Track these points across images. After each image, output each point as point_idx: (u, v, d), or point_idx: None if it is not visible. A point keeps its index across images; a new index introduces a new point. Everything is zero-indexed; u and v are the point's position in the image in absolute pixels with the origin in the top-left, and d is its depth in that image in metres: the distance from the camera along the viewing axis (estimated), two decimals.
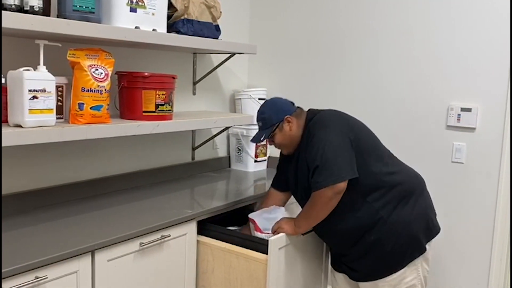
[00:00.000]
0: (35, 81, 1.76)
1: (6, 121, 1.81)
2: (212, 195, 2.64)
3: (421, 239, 2.04)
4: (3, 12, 1.63)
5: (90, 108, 1.96)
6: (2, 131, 1.65)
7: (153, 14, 2.20)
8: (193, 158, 3.05)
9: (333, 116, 2.10)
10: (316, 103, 2.37)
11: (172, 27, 2.40)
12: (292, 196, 2.31)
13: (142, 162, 2.69)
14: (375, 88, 2.93)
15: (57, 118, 1.89)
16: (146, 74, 2.23)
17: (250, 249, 2.12)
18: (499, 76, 2.56)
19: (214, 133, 3.08)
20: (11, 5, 1.73)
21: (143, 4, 2.16)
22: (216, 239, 2.22)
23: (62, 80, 1.97)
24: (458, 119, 2.68)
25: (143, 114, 2.22)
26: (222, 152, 3.30)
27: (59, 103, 1.96)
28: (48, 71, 1.83)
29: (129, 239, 1.90)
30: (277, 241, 2.05)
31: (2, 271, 1.49)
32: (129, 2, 2.10)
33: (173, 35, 2.33)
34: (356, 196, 1.99)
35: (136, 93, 2.22)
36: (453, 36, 2.67)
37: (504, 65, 2.54)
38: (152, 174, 2.73)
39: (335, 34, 3.06)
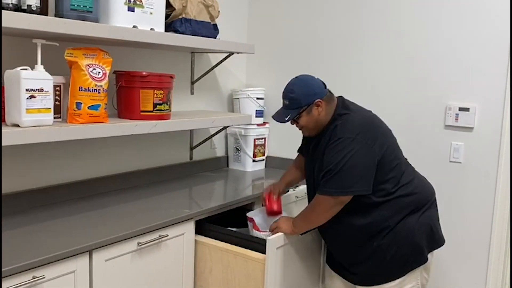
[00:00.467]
0: (33, 80, 1.75)
1: (4, 121, 1.81)
2: (210, 195, 2.64)
3: (424, 249, 2.03)
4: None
5: (88, 107, 1.96)
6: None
7: (151, 13, 2.20)
8: (191, 158, 3.04)
9: (366, 125, 1.98)
10: None
11: (170, 26, 2.40)
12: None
13: (140, 162, 2.69)
14: (373, 87, 2.93)
15: (54, 118, 1.88)
16: (144, 73, 2.22)
17: (248, 248, 2.12)
18: (497, 76, 2.56)
19: (212, 133, 3.07)
20: (8, 4, 1.72)
21: (141, 3, 2.15)
22: (214, 238, 2.22)
23: (60, 79, 1.97)
24: (456, 119, 2.68)
25: (141, 113, 2.22)
26: (220, 152, 3.30)
27: (56, 103, 1.96)
28: (46, 71, 1.82)
29: (127, 239, 1.89)
30: (275, 241, 2.05)
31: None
32: (127, 1, 2.10)
33: (171, 34, 2.33)
34: (369, 204, 1.97)
35: (134, 93, 2.21)
36: (451, 35, 2.67)
37: (502, 64, 2.54)
38: (150, 174, 2.72)
39: (332, 34, 3.05)
